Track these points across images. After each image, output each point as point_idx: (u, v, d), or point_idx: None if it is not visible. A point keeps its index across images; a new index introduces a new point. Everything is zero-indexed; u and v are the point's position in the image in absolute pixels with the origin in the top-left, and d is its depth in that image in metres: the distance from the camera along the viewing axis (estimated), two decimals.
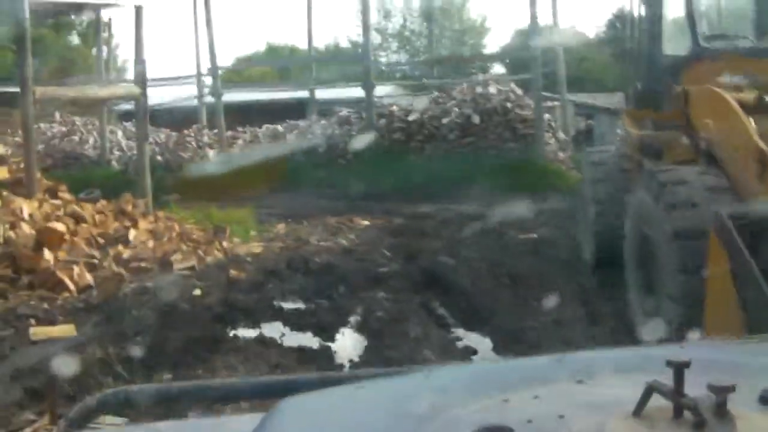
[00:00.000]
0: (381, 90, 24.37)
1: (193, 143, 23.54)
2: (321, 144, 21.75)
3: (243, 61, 41.54)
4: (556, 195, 18.15)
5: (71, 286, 9.49)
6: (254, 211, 16.45)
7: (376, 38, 45.49)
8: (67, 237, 10.89)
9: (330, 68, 33.32)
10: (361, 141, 20.01)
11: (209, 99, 25.31)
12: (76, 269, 9.97)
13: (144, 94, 16.05)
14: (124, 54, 46.02)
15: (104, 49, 26.41)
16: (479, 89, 21.19)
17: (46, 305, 8.84)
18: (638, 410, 1.25)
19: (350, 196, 18.67)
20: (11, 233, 10.73)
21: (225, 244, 13.04)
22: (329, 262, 10.93)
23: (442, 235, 13.56)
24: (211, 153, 22.66)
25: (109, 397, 1.81)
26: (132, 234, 12.01)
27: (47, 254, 10.19)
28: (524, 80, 22.27)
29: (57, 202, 13.70)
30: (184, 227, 14.00)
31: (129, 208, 14.09)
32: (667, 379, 1.25)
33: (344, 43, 49.48)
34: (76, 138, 25.39)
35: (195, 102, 26.37)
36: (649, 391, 1.25)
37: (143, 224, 13.23)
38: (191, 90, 27.44)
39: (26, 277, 9.77)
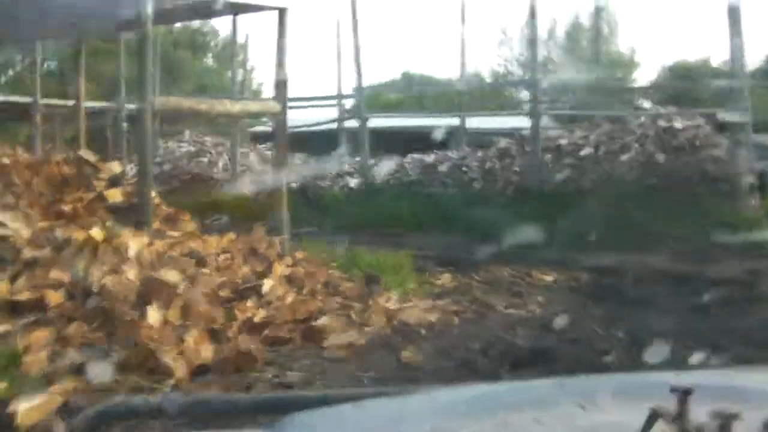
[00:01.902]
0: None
1: (333, 171, 20.49)
2: (477, 178, 18.43)
3: (386, 86, 38.27)
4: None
5: (178, 371, 6.32)
6: (410, 255, 13.19)
7: (518, 71, 42.08)
8: (180, 290, 7.76)
9: (476, 97, 29.93)
10: None
11: (349, 123, 22.27)
12: (189, 340, 6.83)
13: (284, 111, 13.00)
14: (260, 77, 43.90)
15: (240, 71, 23.74)
16: (662, 123, 17.57)
17: None
18: None
19: (516, 241, 15.31)
20: (108, 280, 7.66)
21: (382, 301, 9.80)
22: (538, 348, 7.56)
23: (657, 301, 10.11)
24: (352, 182, 19.56)
25: (111, 409, 1.70)
26: (266, 285, 8.83)
27: (152, 315, 7.08)
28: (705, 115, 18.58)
29: (175, 233, 10.76)
30: (329, 275, 10.84)
31: (262, 248, 11.00)
32: (670, 405, 1.20)
33: (485, 73, 45.99)
34: (205, 159, 22.64)
35: (334, 126, 23.36)
36: (653, 416, 1.20)
37: (279, 269, 10.09)
38: (329, 113, 24.50)
39: (121, 350, 6.66)
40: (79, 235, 8.66)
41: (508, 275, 11.97)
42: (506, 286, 11.09)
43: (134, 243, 8.83)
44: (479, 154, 19.07)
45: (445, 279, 11.77)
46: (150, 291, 7.40)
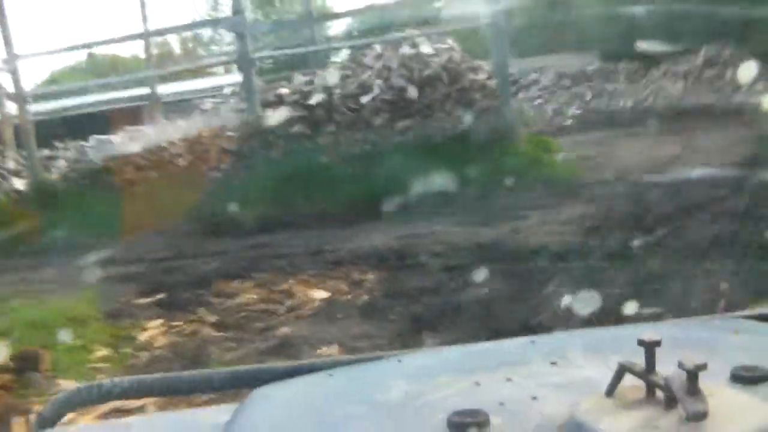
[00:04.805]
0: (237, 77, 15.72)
1: None
2: (182, 154, 13.42)
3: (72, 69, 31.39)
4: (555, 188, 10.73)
5: None
6: (95, 287, 8.08)
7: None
8: None
9: (168, 59, 24.70)
10: None
11: (7, 109, 16.46)
12: None
13: None
14: None
15: None
16: (407, 50, 13.18)
17: None
18: (610, 390, 1.09)
19: (242, 230, 10.60)
20: None
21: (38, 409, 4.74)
22: None
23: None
24: (19, 183, 14.02)
25: (82, 392, 1.50)
26: None
27: None
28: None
29: None
30: None
31: None
32: (639, 358, 1.09)
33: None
34: None
35: None
36: (621, 370, 1.10)
37: None
38: None
39: None
40: None
41: (258, 300, 7.17)
42: (264, 332, 6.27)
43: None
44: (180, 123, 14.00)
45: (156, 328, 6.80)
46: None
